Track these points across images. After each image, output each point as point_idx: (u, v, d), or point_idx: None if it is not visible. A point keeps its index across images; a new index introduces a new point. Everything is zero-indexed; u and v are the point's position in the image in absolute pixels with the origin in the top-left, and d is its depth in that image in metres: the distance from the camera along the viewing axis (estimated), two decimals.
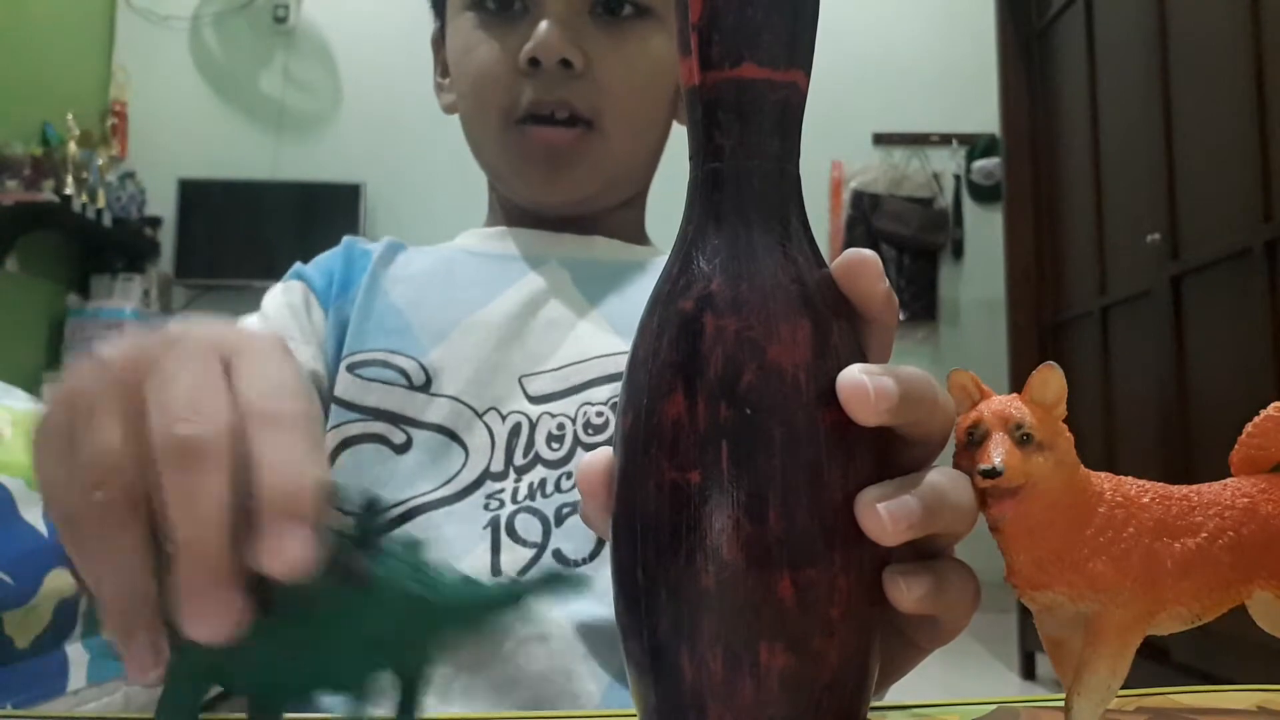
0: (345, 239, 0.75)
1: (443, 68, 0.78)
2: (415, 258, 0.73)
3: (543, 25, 0.66)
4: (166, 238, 3.87)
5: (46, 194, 3.23)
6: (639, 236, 0.78)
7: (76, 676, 1.97)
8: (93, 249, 3.66)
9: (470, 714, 0.54)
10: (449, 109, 0.77)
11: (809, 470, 0.28)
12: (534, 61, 0.66)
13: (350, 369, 0.65)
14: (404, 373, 0.65)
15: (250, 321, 0.70)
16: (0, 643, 1.66)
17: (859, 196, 4.07)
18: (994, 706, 0.40)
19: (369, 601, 0.28)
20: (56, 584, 1.25)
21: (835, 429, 0.29)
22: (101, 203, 3.49)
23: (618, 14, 0.69)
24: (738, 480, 0.28)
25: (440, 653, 0.29)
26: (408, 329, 0.67)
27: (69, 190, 3.30)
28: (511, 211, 0.75)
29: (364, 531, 0.29)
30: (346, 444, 0.63)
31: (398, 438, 0.63)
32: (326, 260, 0.73)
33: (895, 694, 0.40)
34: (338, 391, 0.64)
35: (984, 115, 3.55)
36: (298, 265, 0.73)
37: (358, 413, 0.64)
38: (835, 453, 0.29)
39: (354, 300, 0.69)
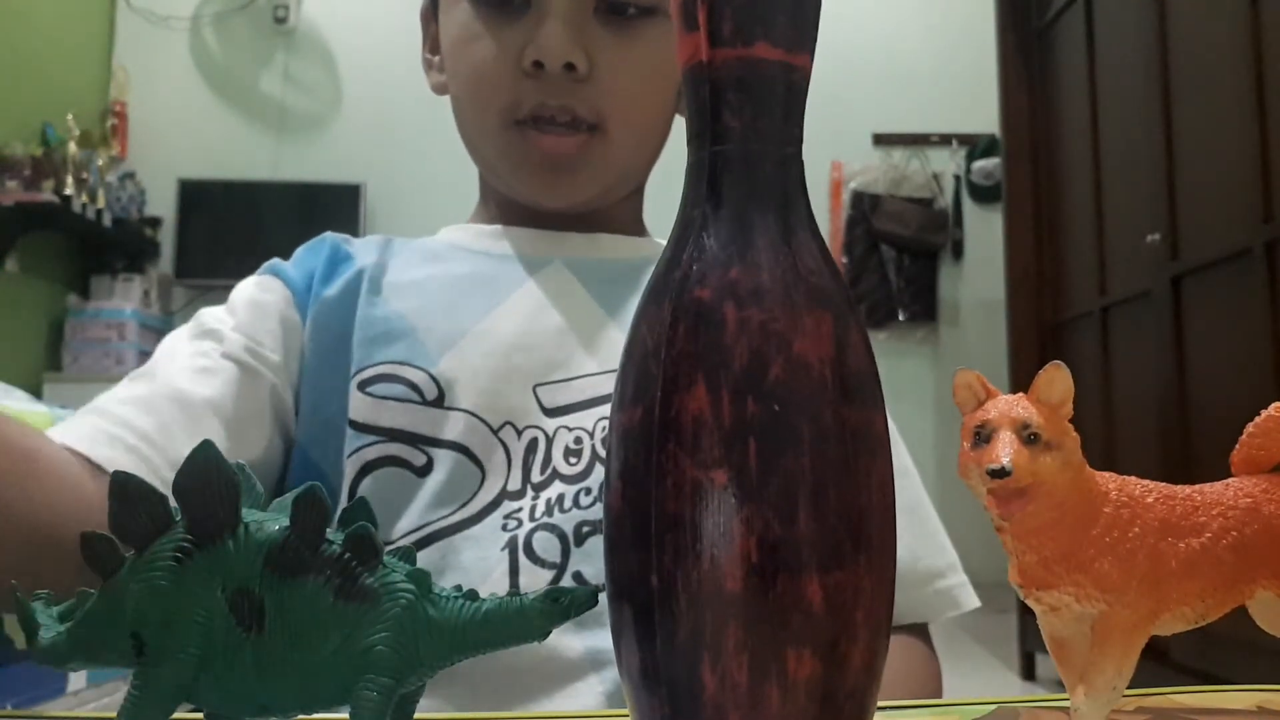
0: (327, 236, 0.72)
1: (431, 43, 0.75)
2: (412, 259, 0.71)
3: (547, 26, 0.63)
4: (166, 238, 3.87)
5: (46, 194, 3.23)
6: (638, 227, 0.76)
7: (76, 677, 1.97)
8: (93, 249, 3.66)
9: (470, 714, 0.54)
10: (438, 89, 0.75)
11: (837, 469, 0.27)
12: (537, 64, 0.64)
13: (361, 387, 0.63)
14: (415, 387, 0.63)
15: (214, 313, 0.67)
16: (0, 643, 1.65)
17: (859, 197, 4.07)
18: (994, 706, 0.40)
19: (366, 618, 0.28)
20: None
21: (858, 427, 0.28)
22: (101, 203, 3.49)
23: (624, 13, 0.66)
24: (766, 479, 0.27)
25: (437, 669, 0.29)
26: (413, 336, 0.65)
27: (69, 190, 3.30)
28: (507, 207, 0.73)
29: (362, 547, 0.29)
30: (367, 469, 0.61)
31: (418, 459, 0.61)
32: (307, 258, 0.70)
33: None
34: (351, 414, 0.62)
35: (984, 115, 3.55)
36: (275, 262, 0.70)
37: (374, 435, 0.62)
38: (859, 451, 0.28)
39: (337, 304, 0.67)
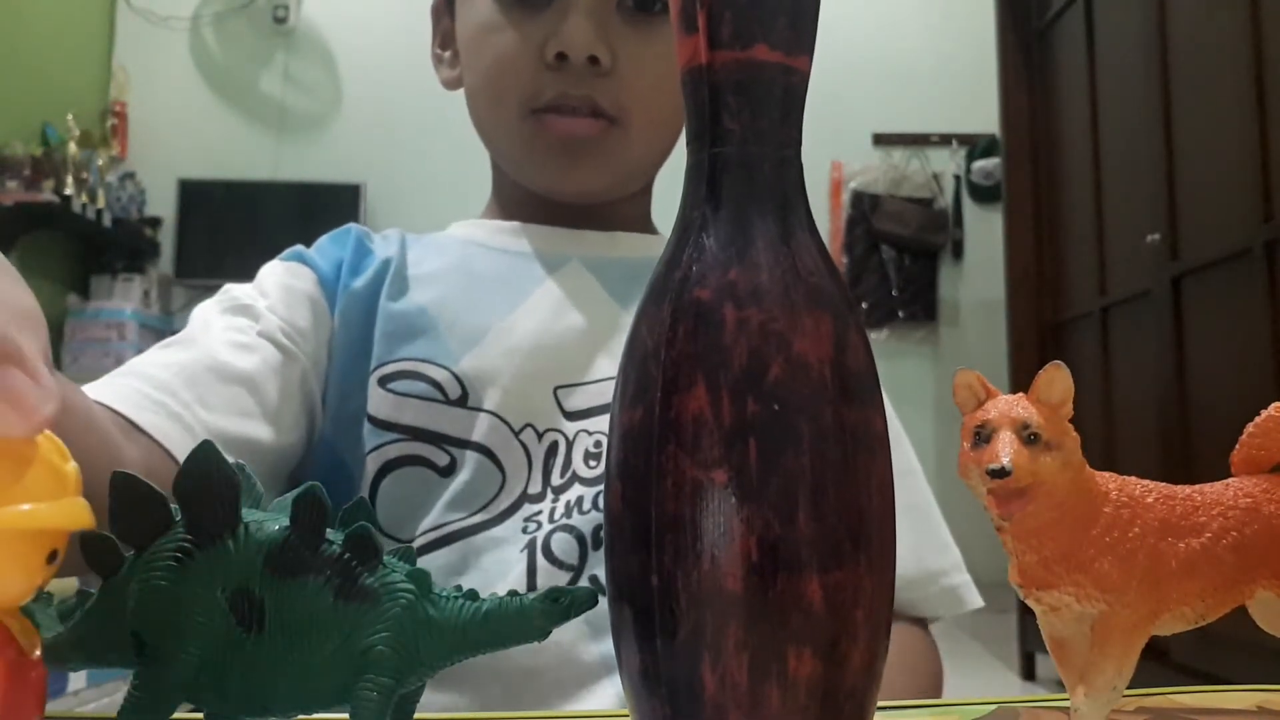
0: (352, 227, 0.71)
1: (442, 38, 0.75)
2: (430, 254, 0.70)
3: (572, 19, 0.64)
4: (166, 238, 3.87)
5: (46, 194, 3.22)
6: (648, 225, 0.76)
7: (76, 677, 1.98)
8: (93, 249, 3.66)
9: (467, 714, 0.54)
10: (449, 84, 0.74)
11: (837, 469, 0.27)
12: (561, 56, 0.64)
13: (381, 383, 0.62)
14: (438, 385, 0.62)
15: (245, 290, 0.65)
16: None
17: (859, 197, 4.07)
18: (994, 706, 0.40)
19: (366, 618, 0.28)
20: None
21: (857, 427, 0.28)
22: (101, 203, 3.49)
23: (648, 9, 0.66)
24: (766, 479, 0.27)
25: (437, 669, 0.29)
26: (434, 332, 0.64)
27: (69, 190, 3.29)
28: (520, 202, 0.72)
29: (362, 547, 0.29)
30: (388, 468, 0.61)
31: (442, 459, 0.61)
32: (333, 248, 0.70)
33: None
34: (371, 410, 0.62)
35: (984, 115, 3.55)
36: (300, 249, 0.70)
37: (396, 432, 0.61)
38: (859, 451, 0.28)
39: (364, 296, 0.66)
